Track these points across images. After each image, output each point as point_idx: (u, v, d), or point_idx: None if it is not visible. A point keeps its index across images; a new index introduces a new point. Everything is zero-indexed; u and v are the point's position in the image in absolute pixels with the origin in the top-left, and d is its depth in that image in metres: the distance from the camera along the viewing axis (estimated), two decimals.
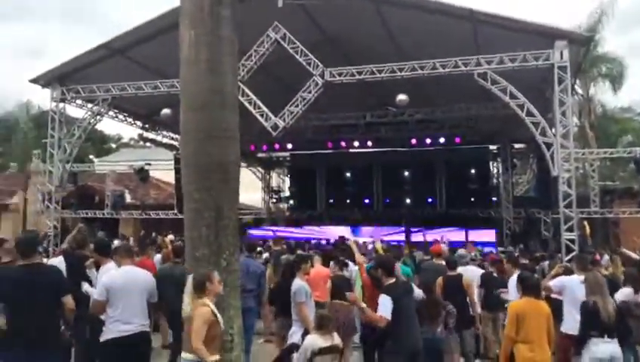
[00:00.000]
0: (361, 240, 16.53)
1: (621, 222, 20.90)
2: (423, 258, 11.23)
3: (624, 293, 6.94)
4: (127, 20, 65.17)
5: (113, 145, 53.35)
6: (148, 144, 24.73)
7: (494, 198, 24.67)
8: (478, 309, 8.06)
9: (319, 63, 14.20)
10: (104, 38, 16.32)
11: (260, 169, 28.73)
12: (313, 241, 18.52)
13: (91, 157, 41.63)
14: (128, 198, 25.72)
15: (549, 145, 12.96)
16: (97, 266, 6.25)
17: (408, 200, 25.58)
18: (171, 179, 22.83)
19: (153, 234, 18.57)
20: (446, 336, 6.83)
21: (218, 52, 5.35)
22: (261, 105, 14.73)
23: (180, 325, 5.28)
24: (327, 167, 26.85)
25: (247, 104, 14.37)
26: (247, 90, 14.57)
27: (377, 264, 6.11)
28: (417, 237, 16.97)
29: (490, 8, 13.46)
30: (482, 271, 9.25)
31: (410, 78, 14.07)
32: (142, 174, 22.58)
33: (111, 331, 5.25)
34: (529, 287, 5.66)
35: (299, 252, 10.57)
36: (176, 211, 20.69)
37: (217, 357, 4.45)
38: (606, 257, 12.25)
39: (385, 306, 5.36)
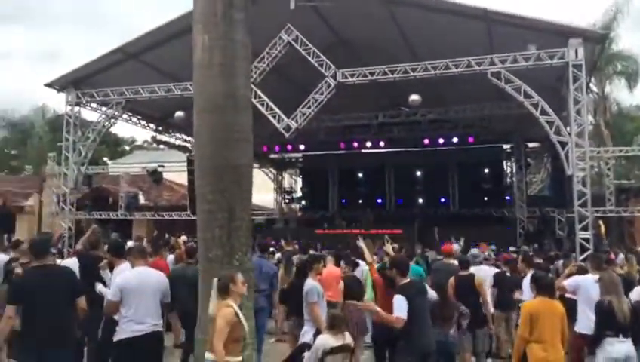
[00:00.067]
0: None
1: (636, 221, 20.74)
2: (435, 258, 11.19)
3: (639, 292, 6.87)
4: (142, 24, 65.66)
5: (127, 148, 53.70)
6: (161, 146, 24.89)
7: (508, 198, 24.55)
8: (491, 309, 8.01)
9: (331, 65, 14.22)
10: (118, 42, 16.50)
11: (272, 170, 28.80)
12: None
13: (105, 159, 41.93)
14: (142, 200, 25.92)
15: (563, 144, 12.86)
16: (111, 267, 6.31)
17: (421, 201, 25.54)
18: (184, 181, 22.95)
19: (166, 235, 18.70)
20: (459, 337, 6.81)
21: (231, 56, 5.35)
22: (273, 106, 14.78)
23: (192, 325, 5.33)
24: (340, 167, 26.87)
25: (259, 106, 14.41)
26: (259, 92, 14.63)
27: (392, 264, 6.09)
28: None
29: (503, 7, 13.40)
30: (496, 270, 9.19)
31: (422, 78, 14.04)
32: (155, 176, 22.76)
33: (124, 331, 5.30)
34: (543, 287, 5.62)
35: (311, 252, 10.59)
36: (189, 212, 20.77)
37: (239, 358, 4.46)
38: (621, 256, 12.14)
39: (400, 306, 5.34)
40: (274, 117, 14.76)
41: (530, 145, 23.90)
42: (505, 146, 24.56)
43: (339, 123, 20.67)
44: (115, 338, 5.37)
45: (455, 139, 21.70)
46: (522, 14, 13.11)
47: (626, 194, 22.16)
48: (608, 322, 5.51)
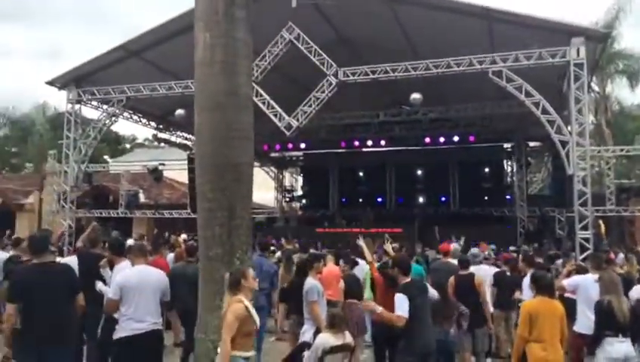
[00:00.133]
0: None
1: (637, 221, 20.73)
2: (435, 257, 11.18)
3: (639, 292, 6.87)
4: (143, 22, 65.64)
5: (128, 146, 53.76)
6: (162, 144, 24.94)
7: (508, 197, 24.51)
8: (491, 308, 8.01)
9: (333, 63, 14.21)
10: (119, 41, 16.50)
11: (272, 168, 28.78)
12: None
13: (106, 157, 42.00)
14: (142, 198, 25.95)
15: (564, 143, 12.86)
16: (111, 265, 6.31)
17: (421, 199, 25.50)
18: (185, 179, 22.97)
19: (166, 234, 18.72)
20: (459, 337, 6.81)
21: (233, 54, 5.35)
22: (275, 105, 14.77)
23: (192, 323, 5.33)
24: (340, 166, 26.85)
25: (260, 104, 14.42)
26: (260, 91, 14.62)
27: (393, 263, 6.09)
28: None
29: (505, 6, 13.39)
30: (496, 269, 9.19)
31: (424, 76, 14.03)
32: (156, 174, 22.78)
33: (124, 329, 5.30)
34: (543, 286, 5.61)
35: (312, 251, 10.59)
36: (189, 211, 20.81)
37: (251, 353, 4.53)
38: (621, 256, 12.14)
39: (402, 305, 5.35)
40: (275, 115, 14.75)
41: (531, 144, 23.87)
42: (506, 145, 24.52)
43: (340, 121, 20.65)
44: (115, 337, 5.37)
45: (456, 138, 21.65)
46: (524, 13, 13.08)
47: (627, 194, 22.13)
48: (608, 322, 5.51)
